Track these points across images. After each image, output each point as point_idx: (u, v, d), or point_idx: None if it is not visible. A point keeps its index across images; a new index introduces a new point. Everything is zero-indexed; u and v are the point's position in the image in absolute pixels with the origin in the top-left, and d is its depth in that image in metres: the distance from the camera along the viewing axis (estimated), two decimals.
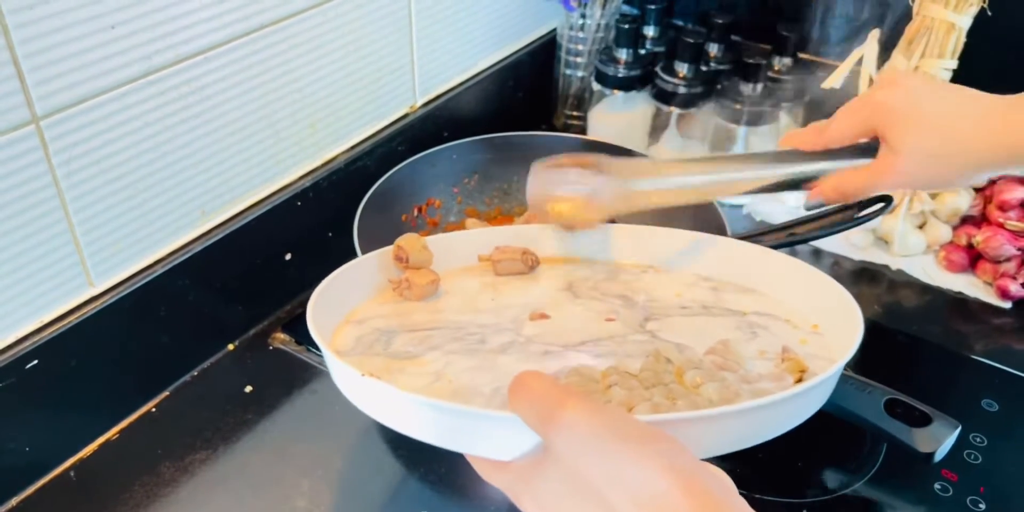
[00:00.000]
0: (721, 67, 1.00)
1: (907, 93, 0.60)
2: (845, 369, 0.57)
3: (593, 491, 0.38)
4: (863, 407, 0.60)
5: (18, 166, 0.59)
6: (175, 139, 0.69)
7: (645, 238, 0.70)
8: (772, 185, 0.65)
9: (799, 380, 0.54)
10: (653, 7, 1.03)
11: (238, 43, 0.71)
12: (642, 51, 1.02)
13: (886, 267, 0.91)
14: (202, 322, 0.77)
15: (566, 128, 1.10)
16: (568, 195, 0.67)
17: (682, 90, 0.99)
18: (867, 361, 0.70)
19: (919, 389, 0.63)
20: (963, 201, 0.92)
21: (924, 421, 0.60)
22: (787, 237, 0.74)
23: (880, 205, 0.75)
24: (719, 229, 0.78)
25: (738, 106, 0.96)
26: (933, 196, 0.92)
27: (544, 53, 1.07)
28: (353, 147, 0.87)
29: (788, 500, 0.66)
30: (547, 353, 0.58)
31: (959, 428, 0.59)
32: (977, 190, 0.94)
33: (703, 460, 0.41)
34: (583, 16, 1.02)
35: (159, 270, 0.71)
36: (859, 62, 0.89)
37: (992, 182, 0.93)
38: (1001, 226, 0.88)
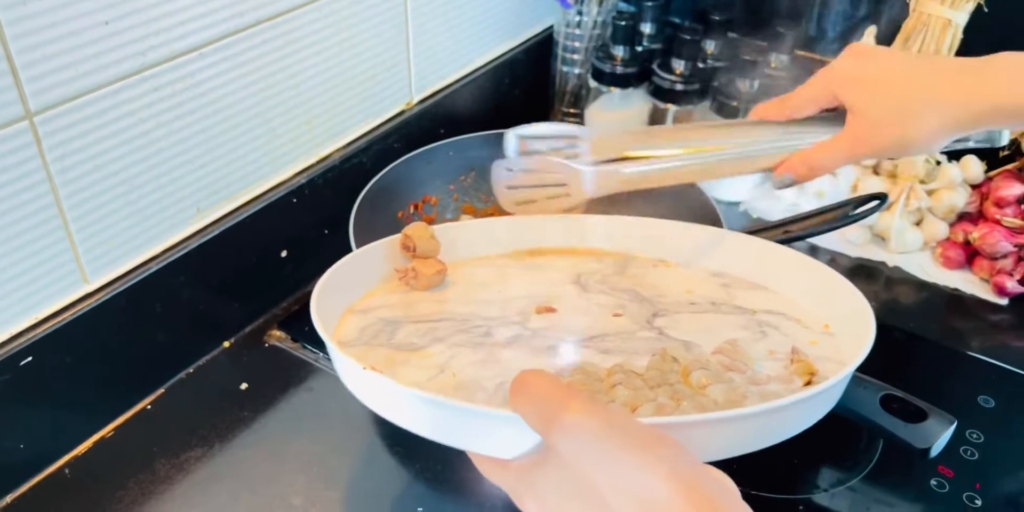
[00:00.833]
0: (718, 64, 1.00)
1: (866, 59, 0.61)
2: None
3: (595, 494, 0.38)
4: (859, 403, 0.60)
5: (12, 162, 0.59)
6: (170, 135, 0.69)
7: (658, 231, 0.69)
8: (749, 167, 0.65)
9: (808, 383, 0.53)
10: (650, 4, 1.03)
11: (233, 39, 0.70)
12: (639, 48, 1.02)
13: (883, 264, 0.91)
14: (198, 319, 0.76)
15: None
16: (535, 193, 0.67)
17: (679, 87, 0.99)
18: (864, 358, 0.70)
19: (916, 386, 0.63)
20: (960, 198, 0.92)
21: (920, 417, 0.60)
22: (783, 234, 0.74)
23: (875, 202, 0.75)
24: (715, 226, 0.77)
25: (735, 103, 0.96)
26: (930, 193, 0.92)
27: (541, 50, 1.07)
28: (349, 144, 0.86)
29: (784, 497, 0.66)
30: (552, 348, 0.58)
31: (955, 424, 0.59)
32: (974, 187, 0.94)
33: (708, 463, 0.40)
34: (580, 13, 1.02)
35: (154, 267, 0.71)
36: None
37: (989, 179, 0.93)
38: (998, 223, 0.88)
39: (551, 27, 1.07)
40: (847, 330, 0.58)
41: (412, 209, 0.88)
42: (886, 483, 0.67)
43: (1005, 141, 0.64)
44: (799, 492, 0.67)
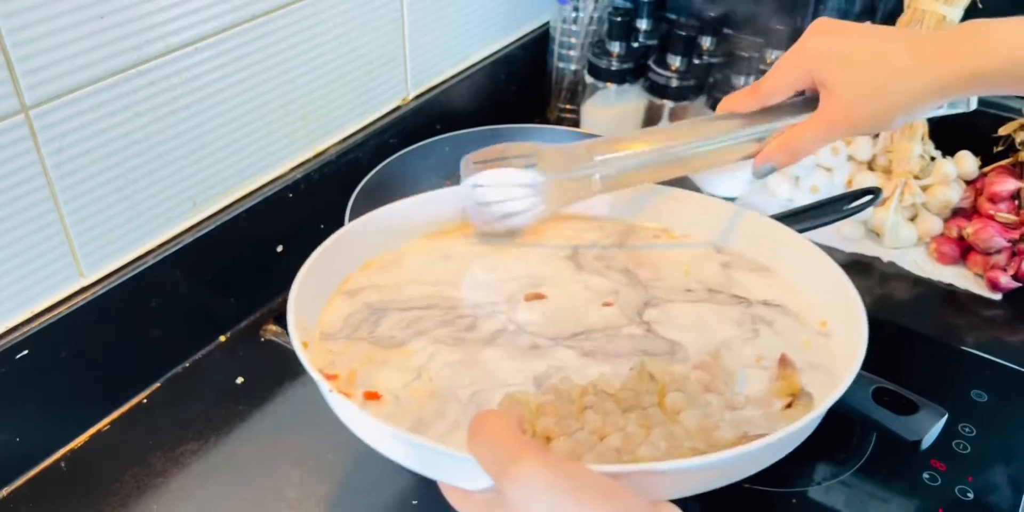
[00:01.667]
0: (714, 60, 1.00)
1: (836, 35, 0.60)
2: None
3: None
4: (851, 396, 0.60)
5: (7, 156, 0.59)
6: (166, 130, 0.69)
7: (667, 199, 0.68)
8: (725, 158, 0.63)
9: (789, 405, 0.53)
10: (646, 0, 1.03)
11: (229, 34, 0.71)
12: (635, 44, 1.02)
13: (877, 259, 0.92)
14: (193, 313, 0.77)
15: (559, 121, 1.10)
16: (505, 207, 0.64)
17: (675, 83, 0.99)
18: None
19: (910, 380, 0.63)
20: (954, 193, 0.92)
21: (911, 409, 0.60)
22: None
23: (869, 197, 0.75)
24: None
25: None
26: (924, 189, 0.92)
27: (537, 46, 1.07)
28: (345, 139, 0.86)
29: (776, 490, 0.66)
30: (534, 347, 0.58)
31: (946, 416, 0.60)
32: (968, 182, 0.94)
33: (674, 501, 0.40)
34: (576, 9, 1.03)
35: (150, 261, 0.71)
36: None
37: (983, 175, 0.93)
38: (992, 218, 0.88)
39: (547, 23, 1.07)
40: (841, 330, 0.58)
41: None
42: (879, 476, 0.68)
43: (974, 106, 0.63)
44: (792, 485, 0.67)
